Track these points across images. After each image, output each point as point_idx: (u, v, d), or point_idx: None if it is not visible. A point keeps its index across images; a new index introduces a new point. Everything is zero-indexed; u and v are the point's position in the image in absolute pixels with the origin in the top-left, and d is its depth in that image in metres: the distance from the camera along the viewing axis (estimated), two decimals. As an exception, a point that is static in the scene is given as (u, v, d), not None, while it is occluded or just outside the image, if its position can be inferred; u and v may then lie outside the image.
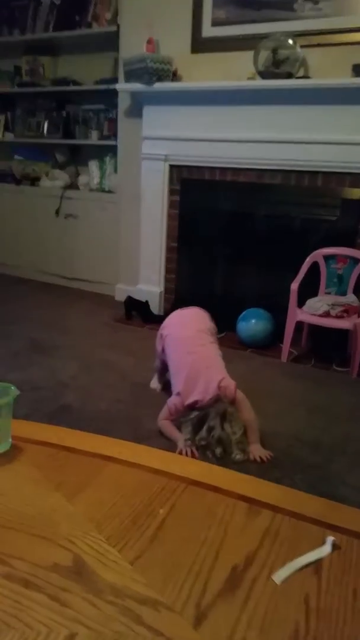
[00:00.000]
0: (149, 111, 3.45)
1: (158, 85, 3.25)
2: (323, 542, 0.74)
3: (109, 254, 4.01)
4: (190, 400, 1.91)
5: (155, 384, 2.47)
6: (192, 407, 1.91)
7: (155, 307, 3.66)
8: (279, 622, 0.61)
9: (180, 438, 1.92)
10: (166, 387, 2.42)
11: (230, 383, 1.92)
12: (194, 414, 1.87)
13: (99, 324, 3.42)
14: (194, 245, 3.60)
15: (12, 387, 0.91)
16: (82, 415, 2.17)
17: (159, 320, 3.49)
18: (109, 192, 4.02)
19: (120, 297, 3.82)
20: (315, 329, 3.10)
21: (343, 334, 3.06)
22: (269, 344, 3.14)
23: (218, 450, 1.79)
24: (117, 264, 3.97)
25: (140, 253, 3.75)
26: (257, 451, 1.88)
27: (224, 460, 1.78)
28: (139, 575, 0.67)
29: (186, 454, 1.88)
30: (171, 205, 3.58)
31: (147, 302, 3.58)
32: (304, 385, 2.64)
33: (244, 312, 3.19)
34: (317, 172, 3.09)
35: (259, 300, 3.27)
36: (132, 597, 0.63)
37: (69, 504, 0.80)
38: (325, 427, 2.18)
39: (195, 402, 1.90)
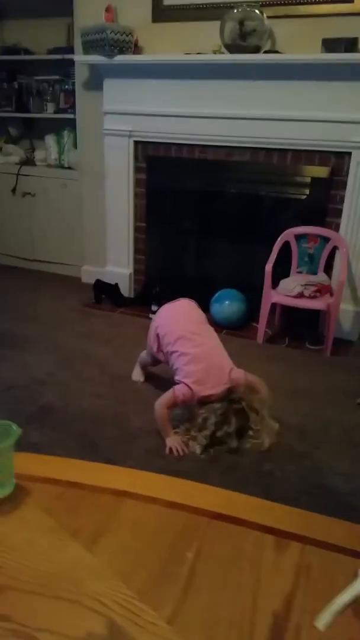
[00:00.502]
0: (110, 84, 3.29)
1: (119, 58, 3.09)
2: (356, 575, 0.72)
3: (73, 234, 3.86)
4: (204, 393, 1.87)
5: (137, 375, 2.41)
6: (204, 400, 1.87)
7: (126, 290, 3.58)
8: None
9: (171, 433, 1.90)
10: (150, 378, 2.38)
11: (239, 372, 1.94)
12: (212, 408, 1.83)
13: (68, 310, 3.31)
14: (164, 224, 3.51)
15: (14, 427, 0.84)
16: (64, 416, 2.10)
17: (130, 303, 3.43)
18: (69, 168, 3.85)
19: (88, 279, 3.71)
20: (287, 308, 3.10)
21: (315, 312, 3.07)
22: (243, 324, 3.13)
23: (234, 443, 1.80)
24: (82, 245, 3.84)
25: (106, 233, 3.63)
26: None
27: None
28: (180, 637, 0.63)
29: (177, 452, 1.86)
30: (137, 183, 3.46)
31: (116, 284, 3.49)
32: (282, 367, 2.65)
33: (217, 294, 3.15)
34: (286, 150, 3.04)
35: (231, 279, 3.24)
36: (178, 665, 0.60)
37: (90, 554, 0.75)
38: (308, 412, 2.20)
39: (210, 396, 1.86)
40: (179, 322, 2.12)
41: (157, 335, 2.12)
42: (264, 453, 1.87)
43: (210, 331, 2.12)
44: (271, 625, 0.65)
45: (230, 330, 3.07)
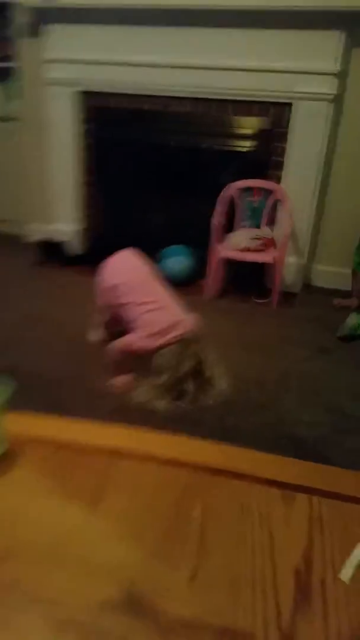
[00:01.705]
0: (53, 30, 3.05)
1: (63, 1, 2.85)
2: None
3: (16, 189, 3.61)
4: (161, 342, 1.84)
5: (95, 335, 2.32)
6: (160, 348, 1.84)
7: (73, 247, 3.41)
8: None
9: (119, 373, 1.92)
10: (109, 338, 2.29)
11: (193, 317, 1.93)
12: (169, 352, 1.80)
13: (14, 270, 3.12)
14: (111, 178, 3.36)
15: (5, 384, 0.76)
16: (23, 378, 1.98)
17: (77, 261, 3.26)
18: (10, 119, 3.57)
19: (33, 237, 3.50)
20: (231, 263, 3.09)
21: (259, 266, 3.09)
22: (190, 280, 3.08)
23: (190, 386, 1.77)
24: (26, 201, 3.60)
25: (51, 188, 3.43)
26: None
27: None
28: (204, 599, 0.59)
29: (118, 388, 1.88)
30: (83, 134, 3.27)
31: (62, 242, 3.31)
32: (233, 322, 2.65)
33: (164, 250, 3.07)
34: (226, 101, 2.96)
35: (178, 235, 3.17)
36: (208, 629, 0.56)
37: (93, 516, 0.69)
38: (263, 364, 2.22)
39: (166, 344, 1.84)
40: (128, 273, 2.07)
41: (107, 289, 2.04)
42: (226, 407, 1.87)
43: (160, 281, 2.08)
44: (294, 583, 0.63)
45: (178, 287, 3.01)
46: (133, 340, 1.88)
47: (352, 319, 2.54)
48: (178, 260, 3.04)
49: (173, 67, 2.93)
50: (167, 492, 0.75)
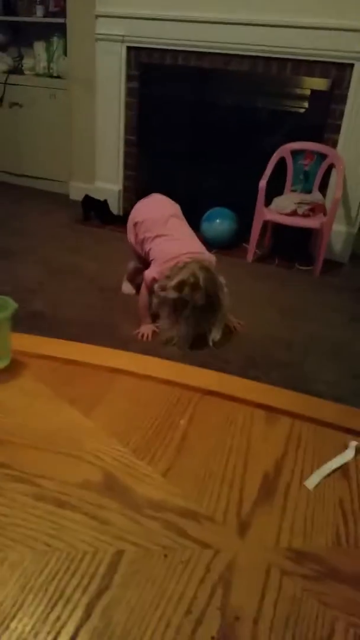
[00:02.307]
0: (104, -17, 3.07)
1: None
2: (346, 447, 0.75)
3: (61, 147, 3.72)
4: (169, 264, 1.87)
5: (127, 288, 2.41)
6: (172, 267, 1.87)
7: (115, 207, 3.50)
8: (320, 527, 0.62)
9: (147, 321, 2.01)
10: (137, 289, 2.37)
11: (210, 255, 1.95)
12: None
13: (56, 226, 3.24)
14: (155, 138, 3.38)
15: (10, 300, 0.83)
16: (53, 322, 2.11)
17: (119, 220, 3.35)
18: (58, 77, 3.65)
19: (76, 195, 3.61)
20: (277, 228, 3.07)
21: (305, 232, 3.05)
22: (233, 243, 3.10)
23: (198, 297, 1.77)
24: (71, 160, 3.70)
25: (96, 147, 3.50)
26: (233, 319, 2.00)
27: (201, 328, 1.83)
28: (174, 487, 0.66)
29: (145, 338, 1.96)
30: (129, 93, 3.31)
31: (105, 201, 3.41)
32: (272, 286, 2.66)
33: (208, 212, 3.10)
34: (286, 60, 2.90)
35: (223, 197, 3.17)
36: (172, 510, 0.62)
37: (86, 418, 0.76)
38: (296, 327, 2.23)
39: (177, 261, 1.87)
40: (152, 211, 2.15)
41: (135, 224, 2.14)
42: (250, 361, 1.91)
43: (183, 221, 2.12)
44: (261, 483, 0.68)
45: (220, 249, 3.05)
46: (150, 271, 1.93)
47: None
48: (221, 223, 3.05)
49: (233, 23, 2.89)
50: (159, 404, 0.81)
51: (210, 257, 1.92)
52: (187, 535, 0.59)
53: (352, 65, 2.77)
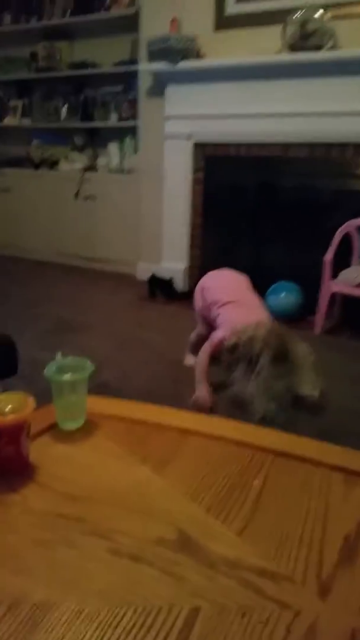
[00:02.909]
0: (172, 90, 3.39)
1: (183, 64, 3.18)
2: None
3: (129, 233, 3.96)
4: (240, 335, 1.76)
5: (190, 360, 2.43)
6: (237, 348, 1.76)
7: (180, 284, 3.63)
8: None
9: (203, 385, 1.90)
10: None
11: (278, 324, 1.86)
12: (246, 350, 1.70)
13: (124, 303, 3.38)
14: (220, 220, 3.54)
15: (88, 362, 0.88)
16: (121, 392, 2.15)
17: (183, 297, 3.46)
18: (129, 172, 3.96)
19: (142, 275, 3.78)
20: (348, 301, 3.04)
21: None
22: (299, 317, 3.09)
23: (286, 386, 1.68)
24: (138, 243, 3.93)
25: (162, 230, 3.70)
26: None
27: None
28: (249, 546, 0.64)
29: (197, 407, 1.85)
30: (196, 181, 3.53)
31: (171, 279, 3.54)
32: (342, 357, 2.60)
33: (273, 286, 3.13)
34: (346, 144, 3.02)
35: (287, 273, 3.21)
36: (249, 568, 0.61)
37: (159, 477, 0.77)
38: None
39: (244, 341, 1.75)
40: (223, 279, 2.17)
41: (203, 290, 2.15)
42: (323, 432, 1.84)
43: (252, 291, 2.12)
44: (342, 545, 0.65)
45: (287, 322, 3.04)
46: (215, 335, 1.91)
47: None
48: (286, 296, 3.07)
49: (289, 115, 3.08)
50: (231, 464, 0.81)
51: (279, 325, 1.90)
52: (265, 594, 0.57)
53: None
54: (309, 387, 1.71)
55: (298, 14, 2.88)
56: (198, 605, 0.55)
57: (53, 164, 4.32)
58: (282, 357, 1.70)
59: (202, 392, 1.95)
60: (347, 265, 3.03)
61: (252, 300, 2.05)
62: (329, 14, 2.84)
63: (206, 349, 1.95)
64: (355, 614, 0.55)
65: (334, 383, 2.28)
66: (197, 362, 1.97)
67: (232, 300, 2.00)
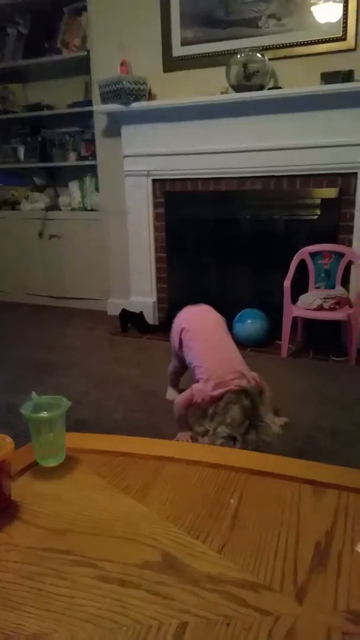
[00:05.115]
0: (127, 130, 3.50)
1: (136, 105, 3.30)
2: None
3: (97, 269, 4.01)
4: (220, 390, 1.84)
5: (172, 395, 2.45)
6: (218, 398, 1.85)
7: (150, 318, 3.68)
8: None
9: (185, 430, 1.96)
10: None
11: (254, 374, 1.95)
12: (227, 405, 1.79)
13: (97, 339, 3.41)
14: (183, 253, 3.64)
15: (64, 399, 0.92)
16: (99, 428, 2.17)
17: (155, 330, 3.52)
18: (92, 210, 4.04)
19: (113, 311, 3.83)
20: (309, 323, 3.15)
21: (336, 325, 3.12)
22: (266, 342, 3.18)
23: (251, 438, 1.75)
24: (107, 279, 3.98)
25: (129, 266, 3.78)
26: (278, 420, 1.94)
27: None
28: (230, 562, 0.68)
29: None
30: (156, 217, 3.63)
31: (141, 312, 3.59)
32: (309, 378, 2.68)
33: (239, 314, 3.22)
34: (295, 176, 3.17)
35: (251, 301, 3.31)
36: (230, 582, 0.65)
37: (141, 505, 0.80)
38: (339, 416, 2.22)
39: (224, 393, 1.84)
40: (200, 320, 2.21)
41: (182, 331, 2.18)
42: (297, 450, 1.90)
43: (229, 335, 2.17)
44: (314, 552, 0.70)
45: (254, 348, 3.12)
46: (193, 393, 1.94)
47: None
48: (252, 322, 3.16)
49: (242, 151, 3.23)
50: (208, 486, 0.85)
51: (254, 377, 1.95)
52: (246, 604, 0.61)
53: (355, 174, 3.03)
54: (273, 430, 1.80)
55: (239, 56, 3.05)
56: (185, 620, 0.59)
57: (14, 205, 4.36)
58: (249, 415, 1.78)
59: (183, 434, 2.00)
60: (306, 289, 3.15)
61: (229, 347, 2.08)
62: (268, 56, 3.01)
63: (184, 402, 1.98)
64: (329, 613, 0.59)
65: (303, 404, 2.36)
66: (175, 409, 2.01)
67: (209, 347, 2.04)
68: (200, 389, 1.90)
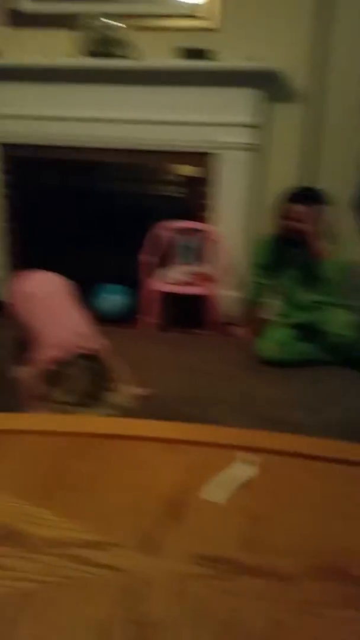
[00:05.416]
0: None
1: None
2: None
3: None
4: (65, 355, 1.76)
5: (17, 371, 2.29)
6: (64, 363, 1.76)
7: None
8: (225, 533, 0.64)
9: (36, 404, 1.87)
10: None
11: (105, 341, 1.89)
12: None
13: None
14: (39, 226, 3.47)
15: None
16: None
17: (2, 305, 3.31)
18: None
19: None
20: (172, 298, 3.21)
21: (198, 300, 3.22)
22: (128, 317, 3.18)
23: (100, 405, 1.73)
24: None
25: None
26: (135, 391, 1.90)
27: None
28: (75, 525, 0.65)
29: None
30: (6, 185, 3.41)
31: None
32: (172, 350, 2.74)
33: (97, 289, 3.18)
34: (159, 152, 3.18)
35: (112, 276, 3.29)
36: (74, 544, 0.61)
37: None
38: (198, 383, 2.31)
39: (70, 358, 1.76)
40: (42, 285, 2.14)
41: (20, 298, 2.10)
42: (156, 419, 1.92)
43: (76, 302, 2.10)
44: (164, 506, 0.69)
45: (116, 323, 3.10)
46: (40, 355, 1.87)
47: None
48: (110, 296, 3.15)
49: (104, 121, 3.14)
50: (52, 455, 0.80)
51: (104, 344, 1.90)
52: (92, 563, 0.59)
53: (217, 154, 3.12)
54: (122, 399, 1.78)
55: (96, 20, 2.94)
56: (25, 588, 0.55)
57: None
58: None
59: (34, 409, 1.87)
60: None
61: (73, 311, 2.01)
62: (126, 24, 2.94)
63: (29, 373, 1.87)
64: (185, 563, 0.59)
65: (166, 375, 2.40)
66: (21, 383, 1.89)
67: (52, 312, 1.97)
68: (45, 355, 1.82)
